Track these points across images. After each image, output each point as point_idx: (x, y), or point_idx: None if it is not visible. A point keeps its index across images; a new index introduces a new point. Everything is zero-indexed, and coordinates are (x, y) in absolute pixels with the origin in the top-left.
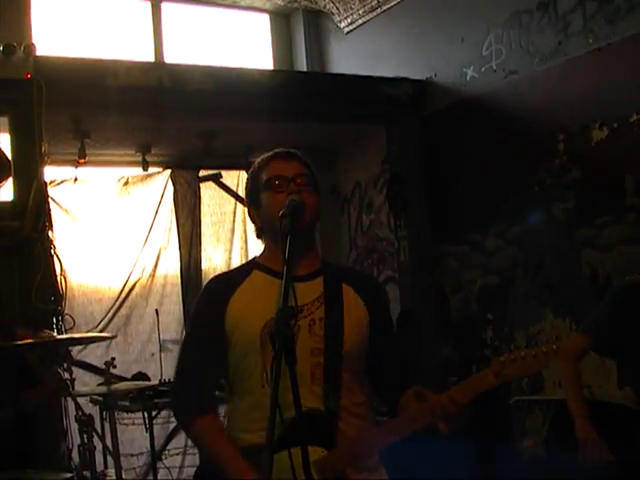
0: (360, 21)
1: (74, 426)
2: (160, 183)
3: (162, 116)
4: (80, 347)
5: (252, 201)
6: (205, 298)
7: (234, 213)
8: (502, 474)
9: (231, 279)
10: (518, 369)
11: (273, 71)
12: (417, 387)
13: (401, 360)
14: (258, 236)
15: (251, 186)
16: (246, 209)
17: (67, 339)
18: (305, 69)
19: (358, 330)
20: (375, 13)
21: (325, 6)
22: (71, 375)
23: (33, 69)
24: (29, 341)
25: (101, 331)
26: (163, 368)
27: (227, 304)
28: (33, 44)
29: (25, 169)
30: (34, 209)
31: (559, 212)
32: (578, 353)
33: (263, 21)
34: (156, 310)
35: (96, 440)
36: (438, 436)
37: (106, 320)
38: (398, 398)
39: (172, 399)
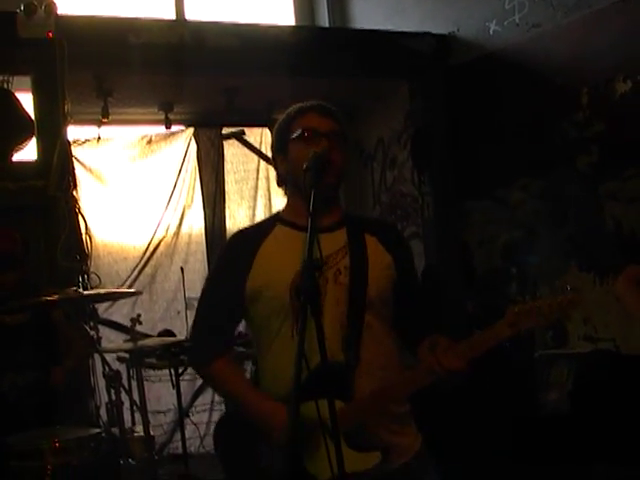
0: None
1: (101, 384)
2: (183, 141)
3: (184, 74)
4: (106, 305)
5: (279, 149)
6: (229, 251)
7: (257, 170)
8: None
9: (255, 234)
10: (533, 320)
11: (295, 27)
12: (432, 337)
13: (426, 308)
14: (279, 184)
15: (281, 133)
16: (271, 156)
17: (93, 295)
18: (327, 24)
19: (383, 278)
20: None
21: None
22: (97, 333)
23: (54, 28)
24: (55, 297)
25: None
26: (189, 325)
27: (253, 259)
28: (54, 3)
29: (48, 128)
30: (58, 168)
31: (583, 165)
32: (636, 277)
33: None
34: (181, 268)
35: (124, 397)
36: None
37: (131, 279)
38: (418, 345)
39: (189, 346)
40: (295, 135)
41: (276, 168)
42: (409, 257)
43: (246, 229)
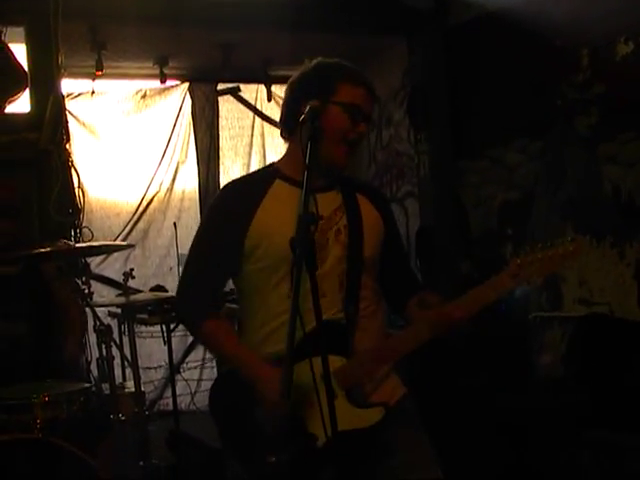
0: None
1: (92, 339)
2: (178, 96)
3: (180, 27)
4: (98, 261)
5: (315, 93)
6: (225, 204)
7: (252, 127)
8: None
9: (254, 188)
10: (535, 271)
11: None
12: (420, 294)
13: (410, 269)
14: (288, 126)
15: (324, 82)
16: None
17: (86, 247)
18: None
19: (375, 236)
20: None
21: None
22: (89, 288)
23: None
24: (47, 249)
25: None
26: None
27: (253, 215)
28: None
29: (42, 81)
30: (51, 121)
31: (582, 127)
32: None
33: None
34: (174, 223)
35: (114, 352)
36: None
37: (124, 234)
38: (405, 304)
39: (179, 302)
40: (343, 102)
41: (293, 108)
42: (395, 220)
43: (241, 181)
